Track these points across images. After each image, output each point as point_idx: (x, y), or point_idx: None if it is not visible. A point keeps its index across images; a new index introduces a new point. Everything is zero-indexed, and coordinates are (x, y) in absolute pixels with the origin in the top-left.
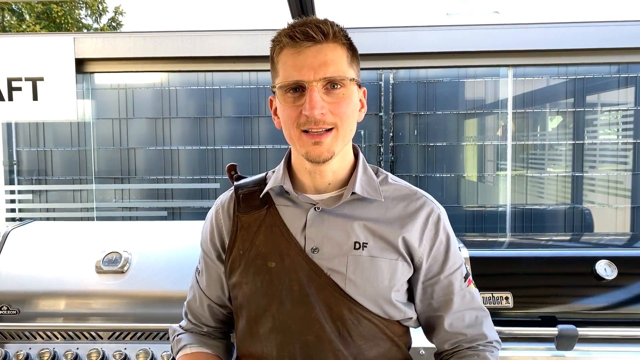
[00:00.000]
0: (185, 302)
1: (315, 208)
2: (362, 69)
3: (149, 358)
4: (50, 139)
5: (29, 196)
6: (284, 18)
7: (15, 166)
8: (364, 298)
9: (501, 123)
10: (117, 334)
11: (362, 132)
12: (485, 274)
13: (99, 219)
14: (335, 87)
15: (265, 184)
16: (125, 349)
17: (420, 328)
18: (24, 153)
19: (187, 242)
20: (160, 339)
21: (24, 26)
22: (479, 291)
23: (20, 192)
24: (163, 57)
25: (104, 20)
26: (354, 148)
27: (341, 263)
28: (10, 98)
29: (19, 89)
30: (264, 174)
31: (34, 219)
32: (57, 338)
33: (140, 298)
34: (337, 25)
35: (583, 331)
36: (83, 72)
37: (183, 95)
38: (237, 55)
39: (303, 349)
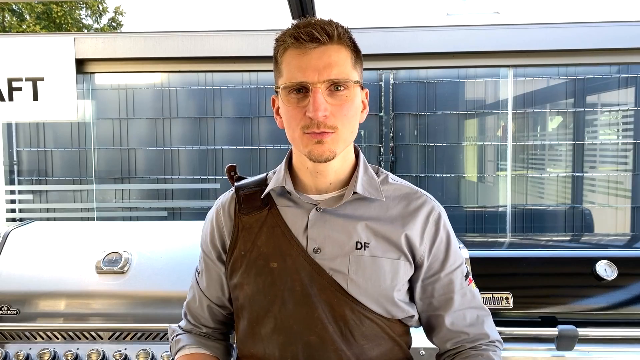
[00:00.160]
0: (184, 303)
1: (316, 208)
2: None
3: (149, 358)
4: (50, 139)
5: (29, 196)
6: (284, 18)
7: (15, 166)
8: (366, 298)
9: (501, 123)
10: (117, 334)
11: (363, 133)
12: (486, 274)
13: (99, 219)
14: (339, 89)
15: (266, 185)
16: (125, 349)
17: (420, 328)
18: (24, 153)
19: (187, 242)
20: (161, 339)
21: (24, 26)
22: (479, 291)
23: (20, 192)
24: (163, 58)
25: (104, 20)
26: (354, 148)
27: (343, 263)
28: (11, 98)
29: (20, 89)
30: (264, 175)
31: (34, 219)
32: (57, 338)
33: (141, 298)
34: (342, 26)
35: (583, 331)
36: (83, 72)
37: (183, 96)
38: (238, 55)
39: (305, 349)
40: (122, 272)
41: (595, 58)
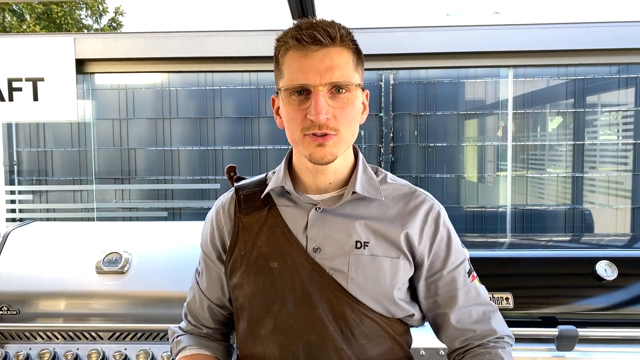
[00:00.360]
0: (185, 303)
1: (316, 208)
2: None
3: (149, 358)
4: (50, 139)
5: (29, 196)
6: (284, 18)
7: (15, 166)
8: (366, 297)
9: (501, 124)
10: (117, 334)
11: (363, 133)
12: (486, 274)
13: (99, 219)
14: (341, 91)
15: (266, 185)
16: (125, 349)
17: (420, 328)
18: (25, 153)
19: (187, 242)
20: (161, 339)
21: (24, 27)
22: None
23: (20, 192)
24: (163, 58)
25: (104, 20)
26: (353, 148)
27: (343, 262)
28: (11, 98)
29: (20, 89)
30: (264, 175)
31: (34, 220)
32: (57, 338)
33: (141, 298)
34: (344, 28)
35: (583, 332)
36: (83, 72)
37: (183, 96)
38: (238, 55)
39: (306, 348)
40: (122, 272)
41: (596, 58)
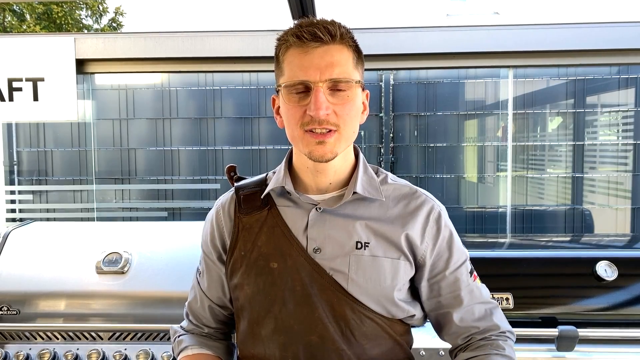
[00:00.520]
0: (186, 303)
1: (316, 208)
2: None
3: (149, 358)
4: (50, 139)
5: (30, 196)
6: (284, 19)
7: (15, 166)
8: (366, 297)
9: (501, 124)
10: (118, 334)
11: (363, 133)
12: (486, 274)
13: (99, 219)
14: (341, 88)
15: (266, 185)
16: (125, 349)
17: (421, 328)
18: (25, 153)
19: (187, 242)
20: (161, 339)
21: (24, 27)
22: None
23: (20, 192)
24: (163, 58)
25: (105, 20)
26: (354, 149)
27: (343, 263)
28: (11, 98)
29: (20, 89)
30: (264, 175)
31: (35, 220)
32: (57, 338)
33: (141, 298)
34: (344, 26)
35: (583, 332)
36: (83, 72)
37: (183, 96)
38: (238, 55)
39: (306, 349)
40: (122, 273)
41: (596, 59)
